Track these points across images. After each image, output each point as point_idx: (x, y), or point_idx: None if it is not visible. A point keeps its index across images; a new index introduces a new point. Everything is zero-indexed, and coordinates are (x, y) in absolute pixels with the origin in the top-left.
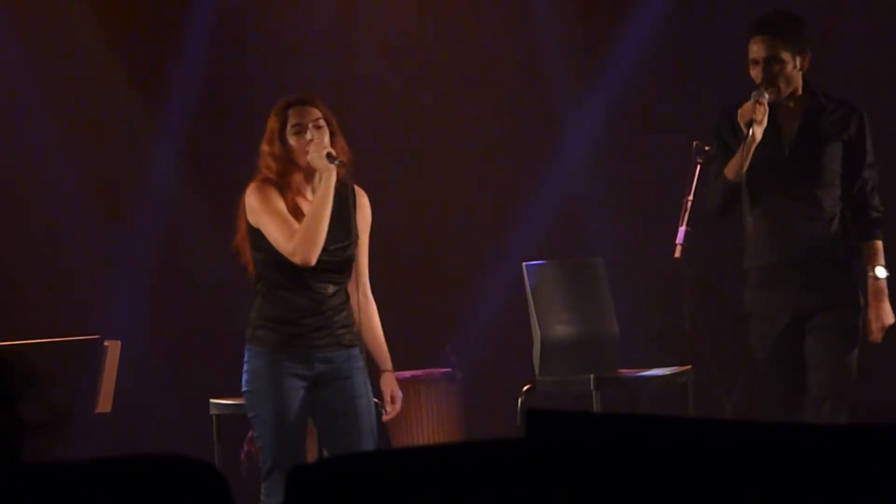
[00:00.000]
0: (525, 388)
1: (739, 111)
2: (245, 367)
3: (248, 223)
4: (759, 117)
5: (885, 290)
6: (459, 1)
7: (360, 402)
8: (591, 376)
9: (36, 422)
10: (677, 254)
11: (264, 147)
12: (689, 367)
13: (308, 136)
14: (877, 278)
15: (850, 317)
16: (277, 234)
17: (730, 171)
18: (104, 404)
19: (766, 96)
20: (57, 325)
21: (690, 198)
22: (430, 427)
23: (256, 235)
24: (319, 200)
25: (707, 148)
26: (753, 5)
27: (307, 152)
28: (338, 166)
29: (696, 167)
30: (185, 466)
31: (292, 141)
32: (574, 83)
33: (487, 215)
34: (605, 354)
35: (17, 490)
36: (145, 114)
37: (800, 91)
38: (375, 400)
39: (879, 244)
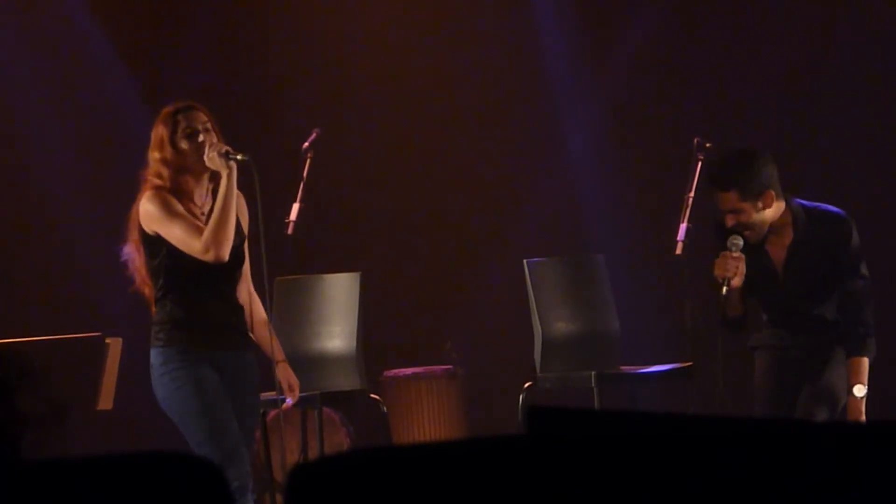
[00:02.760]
0: (526, 384)
1: (715, 265)
2: (160, 371)
3: (143, 232)
4: (730, 273)
5: (861, 411)
6: (462, 1)
7: (255, 401)
8: (592, 373)
9: (34, 415)
10: (678, 250)
11: (154, 154)
12: (689, 363)
13: (200, 138)
14: (855, 397)
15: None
16: (185, 235)
17: (730, 309)
18: (105, 401)
19: (740, 243)
20: (58, 322)
21: (691, 195)
22: (432, 423)
23: (154, 243)
24: (225, 197)
25: (708, 145)
26: (753, 3)
27: (202, 154)
28: (240, 161)
29: (696, 164)
30: (184, 464)
31: (184, 144)
32: (575, 81)
33: (488, 212)
34: (606, 351)
35: (17, 486)
36: (147, 112)
37: (778, 216)
38: (270, 394)
39: (865, 362)
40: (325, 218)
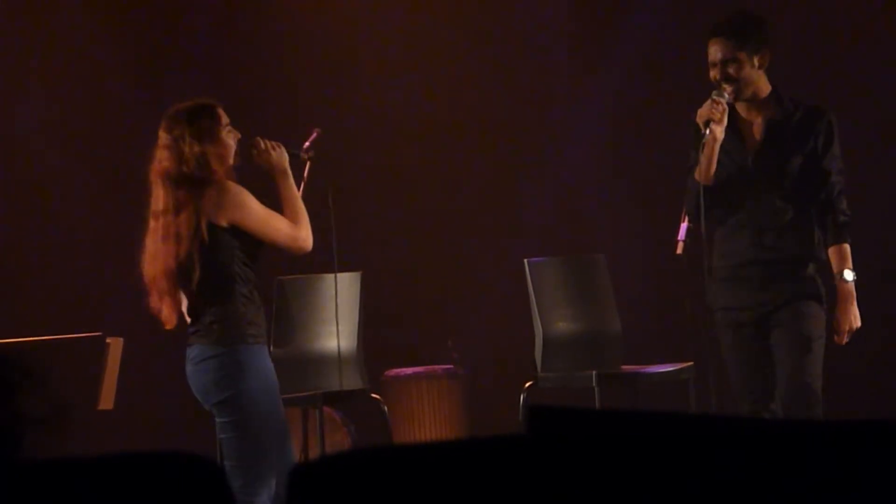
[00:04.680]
0: (527, 384)
1: (698, 112)
2: (232, 368)
3: (211, 225)
4: (716, 116)
5: (853, 293)
6: (462, 2)
7: None
8: (593, 372)
9: (35, 416)
10: (679, 250)
11: (209, 148)
12: (690, 363)
13: (238, 136)
14: (845, 281)
15: (811, 320)
16: (282, 226)
17: (699, 174)
18: (106, 401)
19: (725, 96)
20: (59, 321)
21: None
22: (432, 423)
23: (223, 235)
24: (295, 189)
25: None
26: (755, 3)
27: (237, 152)
28: (310, 159)
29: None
30: (184, 462)
31: (230, 140)
32: (576, 80)
33: (489, 212)
34: (606, 351)
35: (17, 486)
36: (149, 111)
37: (764, 94)
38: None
39: (847, 247)
40: (326, 218)
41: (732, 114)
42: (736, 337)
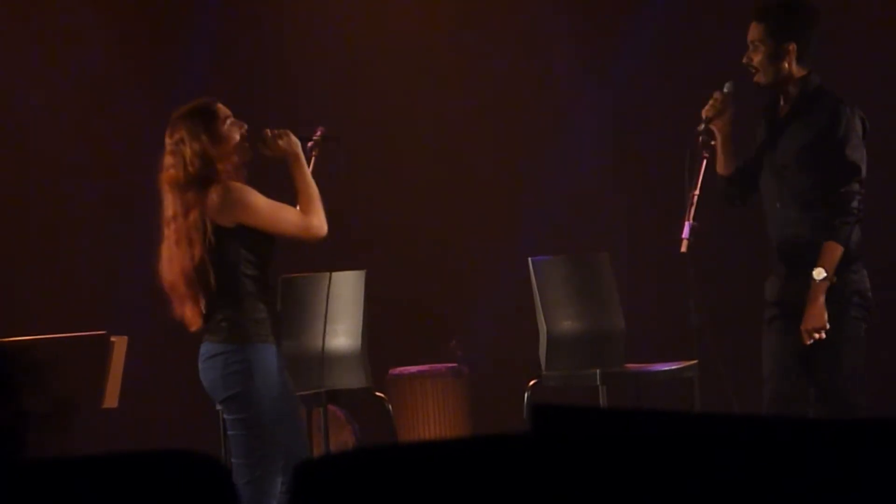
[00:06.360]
0: (531, 382)
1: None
2: (245, 365)
3: (217, 227)
4: (710, 113)
5: (818, 294)
6: (468, 2)
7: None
8: (598, 371)
9: (40, 413)
10: (683, 248)
11: (209, 146)
12: (695, 361)
13: (245, 129)
14: (813, 280)
15: (831, 322)
16: (292, 217)
17: (718, 166)
18: (111, 400)
19: (731, 89)
20: (64, 320)
21: (696, 192)
22: (437, 421)
23: (229, 236)
24: (309, 175)
25: (713, 143)
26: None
27: (247, 145)
28: (326, 139)
29: (701, 162)
30: (188, 461)
31: (235, 133)
32: (581, 79)
33: (494, 211)
34: (611, 349)
35: (20, 485)
36: (152, 109)
37: (792, 78)
38: None
39: (831, 246)
40: (331, 215)
41: (773, 98)
42: (766, 332)
